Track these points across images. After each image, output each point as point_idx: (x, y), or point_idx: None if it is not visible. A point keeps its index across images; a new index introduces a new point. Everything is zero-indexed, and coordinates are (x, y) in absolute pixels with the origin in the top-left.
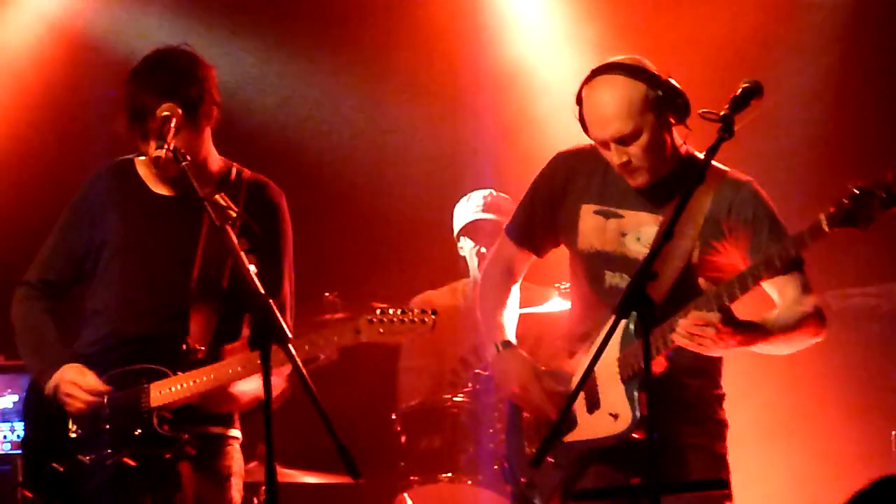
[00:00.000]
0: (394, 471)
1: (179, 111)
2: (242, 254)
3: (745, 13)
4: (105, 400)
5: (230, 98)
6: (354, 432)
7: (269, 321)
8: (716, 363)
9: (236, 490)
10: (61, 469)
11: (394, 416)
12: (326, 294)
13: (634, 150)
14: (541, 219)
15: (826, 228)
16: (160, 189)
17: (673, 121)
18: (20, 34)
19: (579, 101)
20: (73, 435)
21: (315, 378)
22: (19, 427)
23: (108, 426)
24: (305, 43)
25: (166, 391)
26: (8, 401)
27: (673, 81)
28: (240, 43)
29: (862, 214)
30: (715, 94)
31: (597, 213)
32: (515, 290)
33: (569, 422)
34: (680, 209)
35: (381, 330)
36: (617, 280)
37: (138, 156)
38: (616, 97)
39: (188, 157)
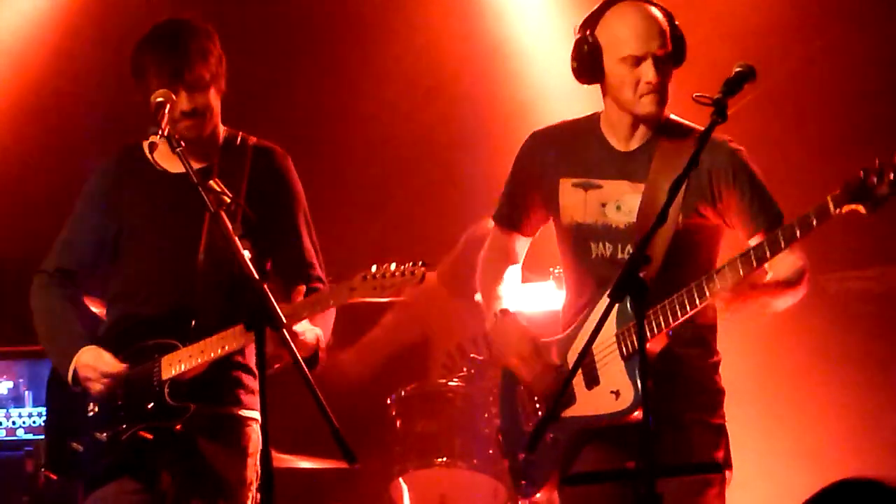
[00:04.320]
0: (389, 455)
1: (174, 97)
2: (237, 238)
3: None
4: (122, 379)
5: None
6: (350, 417)
7: (265, 307)
8: (711, 330)
9: (253, 469)
10: (80, 448)
11: (389, 401)
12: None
13: (665, 72)
14: (522, 200)
15: (833, 211)
16: (167, 167)
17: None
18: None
19: (591, 29)
20: (91, 413)
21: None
22: (14, 413)
23: (121, 402)
24: (299, 27)
25: (177, 363)
26: (3, 387)
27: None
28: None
29: (870, 195)
30: (711, 76)
31: (575, 185)
32: (516, 270)
33: (567, 397)
34: (674, 192)
35: (374, 286)
36: (602, 250)
37: (144, 139)
38: (657, 16)
39: (182, 143)
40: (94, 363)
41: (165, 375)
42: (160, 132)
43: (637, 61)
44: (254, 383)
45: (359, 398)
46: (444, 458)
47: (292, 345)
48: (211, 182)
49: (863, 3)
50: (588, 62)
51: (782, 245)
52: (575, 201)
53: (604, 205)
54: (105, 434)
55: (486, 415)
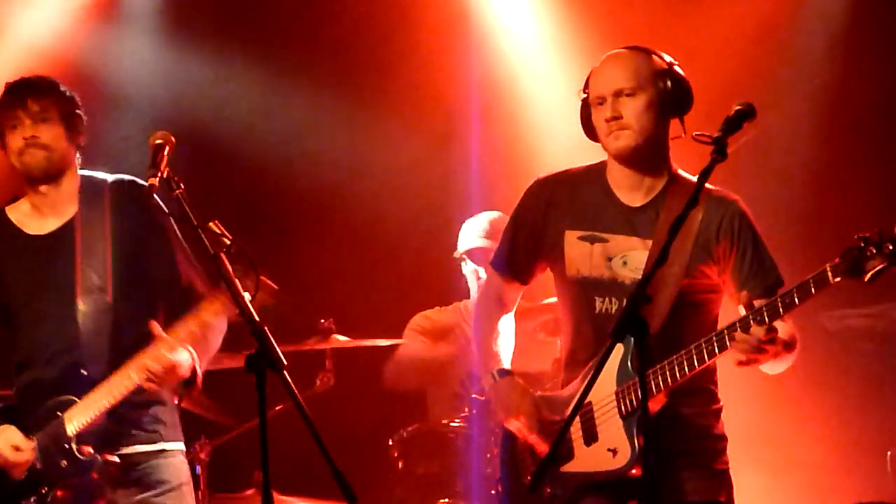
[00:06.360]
0: (391, 496)
1: (172, 139)
2: (237, 281)
3: (740, 35)
4: (35, 455)
5: (226, 127)
6: (351, 457)
7: (265, 349)
8: (712, 378)
9: (189, 499)
10: None
11: (390, 441)
12: (322, 321)
13: (630, 106)
14: (523, 248)
15: (832, 280)
16: (34, 230)
17: (673, 109)
18: (9, 64)
19: (586, 87)
20: (14, 483)
21: (311, 403)
22: None
23: (40, 466)
24: (292, 67)
25: (78, 417)
26: None
27: (679, 69)
28: (229, 70)
29: (868, 267)
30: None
31: (581, 238)
32: (509, 319)
33: (566, 451)
34: (674, 232)
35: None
36: (607, 305)
37: (7, 204)
38: (625, 62)
39: (182, 185)
40: (7, 454)
41: (70, 431)
42: (159, 174)
43: (601, 101)
44: (172, 416)
45: (360, 438)
46: (446, 500)
47: (292, 386)
48: (210, 224)
49: (861, 41)
50: (585, 120)
51: (781, 312)
52: (580, 254)
53: (610, 259)
54: (33, 499)
55: (488, 455)
